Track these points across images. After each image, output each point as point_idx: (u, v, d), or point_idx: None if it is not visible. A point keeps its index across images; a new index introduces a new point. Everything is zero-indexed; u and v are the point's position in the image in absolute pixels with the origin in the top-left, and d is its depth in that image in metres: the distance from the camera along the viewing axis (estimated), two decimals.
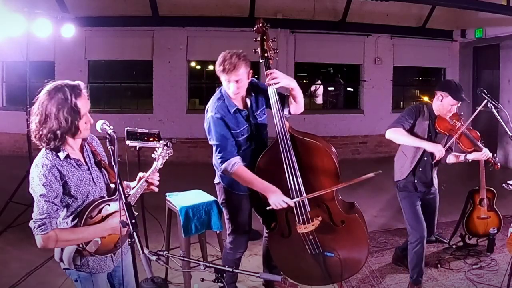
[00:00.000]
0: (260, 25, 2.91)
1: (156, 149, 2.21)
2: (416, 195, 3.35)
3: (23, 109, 4.53)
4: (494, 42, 7.78)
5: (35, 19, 4.57)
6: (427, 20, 8.38)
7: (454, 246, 4.15)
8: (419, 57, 8.85)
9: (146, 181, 2.13)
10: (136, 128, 3.74)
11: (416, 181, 3.31)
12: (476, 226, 4.03)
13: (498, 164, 3.31)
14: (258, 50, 2.89)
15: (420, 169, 3.28)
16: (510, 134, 3.18)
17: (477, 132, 3.29)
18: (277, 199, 2.70)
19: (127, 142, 3.59)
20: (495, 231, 3.95)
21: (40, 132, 1.84)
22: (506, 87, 7.64)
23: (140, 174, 2.18)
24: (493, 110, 3.26)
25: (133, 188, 2.13)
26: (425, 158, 3.27)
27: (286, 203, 2.71)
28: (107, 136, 1.88)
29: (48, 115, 1.82)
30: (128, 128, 3.68)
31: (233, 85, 2.72)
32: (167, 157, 2.21)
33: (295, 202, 2.78)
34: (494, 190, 4.04)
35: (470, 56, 8.64)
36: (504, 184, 3.37)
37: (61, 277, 3.48)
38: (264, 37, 2.91)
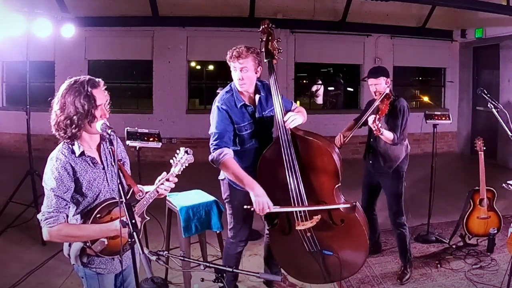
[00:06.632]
0: (266, 25, 3.00)
1: (176, 154, 2.12)
2: (370, 174, 3.80)
3: (23, 109, 4.51)
4: (494, 42, 7.77)
5: (35, 19, 4.55)
6: (427, 20, 8.37)
7: (454, 246, 4.15)
8: (419, 57, 8.83)
9: (157, 190, 2.10)
10: (136, 128, 3.76)
11: (370, 161, 3.72)
12: (476, 226, 4.04)
13: (378, 131, 3.22)
14: (263, 50, 2.96)
15: (371, 150, 3.71)
16: (510, 134, 3.17)
17: (388, 107, 3.44)
18: (261, 200, 2.67)
19: (127, 142, 3.61)
20: (495, 231, 3.95)
21: (58, 119, 1.90)
22: (506, 87, 7.62)
23: (159, 177, 2.13)
24: (493, 110, 3.27)
25: (146, 192, 2.11)
26: (372, 140, 3.67)
27: (269, 207, 2.67)
28: (107, 136, 1.87)
29: (65, 103, 1.89)
30: (128, 128, 3.70)
31: (238, 73, 2.80)
32: (186, 164, 2.12)
33: (294, 208, 2.79)
34: (494, 190, 4.05)
35: (470, 56, 8.64)
36: (504, 184, 3.37)
37: (61, 277, 3.49)
38: (270, 38, 2.98)
